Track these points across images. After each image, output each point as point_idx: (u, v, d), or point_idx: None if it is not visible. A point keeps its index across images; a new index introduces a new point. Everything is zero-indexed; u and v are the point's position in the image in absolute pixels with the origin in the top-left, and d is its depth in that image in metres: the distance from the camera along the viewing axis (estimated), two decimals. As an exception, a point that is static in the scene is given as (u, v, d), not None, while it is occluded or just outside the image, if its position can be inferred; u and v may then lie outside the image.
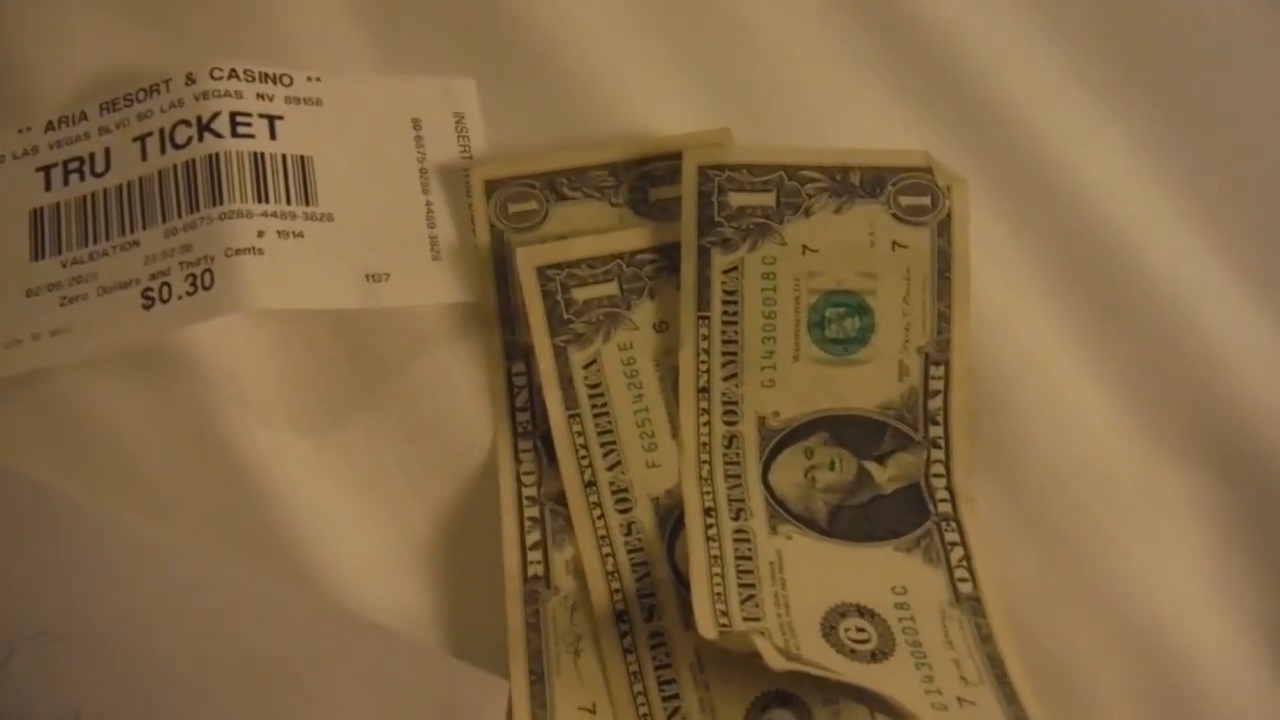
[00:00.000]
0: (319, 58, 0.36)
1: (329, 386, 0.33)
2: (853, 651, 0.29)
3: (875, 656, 0.29)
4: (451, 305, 0.34)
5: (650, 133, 0.36)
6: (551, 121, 0.36)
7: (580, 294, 0.33)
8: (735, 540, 0.31)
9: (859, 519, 0.31)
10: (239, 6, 0.37)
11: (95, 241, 0.33)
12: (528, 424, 0.33)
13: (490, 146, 0.36)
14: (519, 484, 0.32)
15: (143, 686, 0.29)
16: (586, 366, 0.33)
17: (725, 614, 0.29)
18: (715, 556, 0.30)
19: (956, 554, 0.31)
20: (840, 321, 0.33)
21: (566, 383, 0.32)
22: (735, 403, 0.32)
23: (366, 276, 0.33)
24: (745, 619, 0.29)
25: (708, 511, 0.31)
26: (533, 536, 0.31)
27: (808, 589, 0.30)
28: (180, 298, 0.32)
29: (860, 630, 0.29)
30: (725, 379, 0.33)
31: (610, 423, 0.32)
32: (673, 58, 0.37)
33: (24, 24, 0.36)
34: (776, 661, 0.27)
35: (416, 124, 0.36)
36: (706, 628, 0.28)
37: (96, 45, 0.36)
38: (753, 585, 0.30)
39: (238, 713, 0.29)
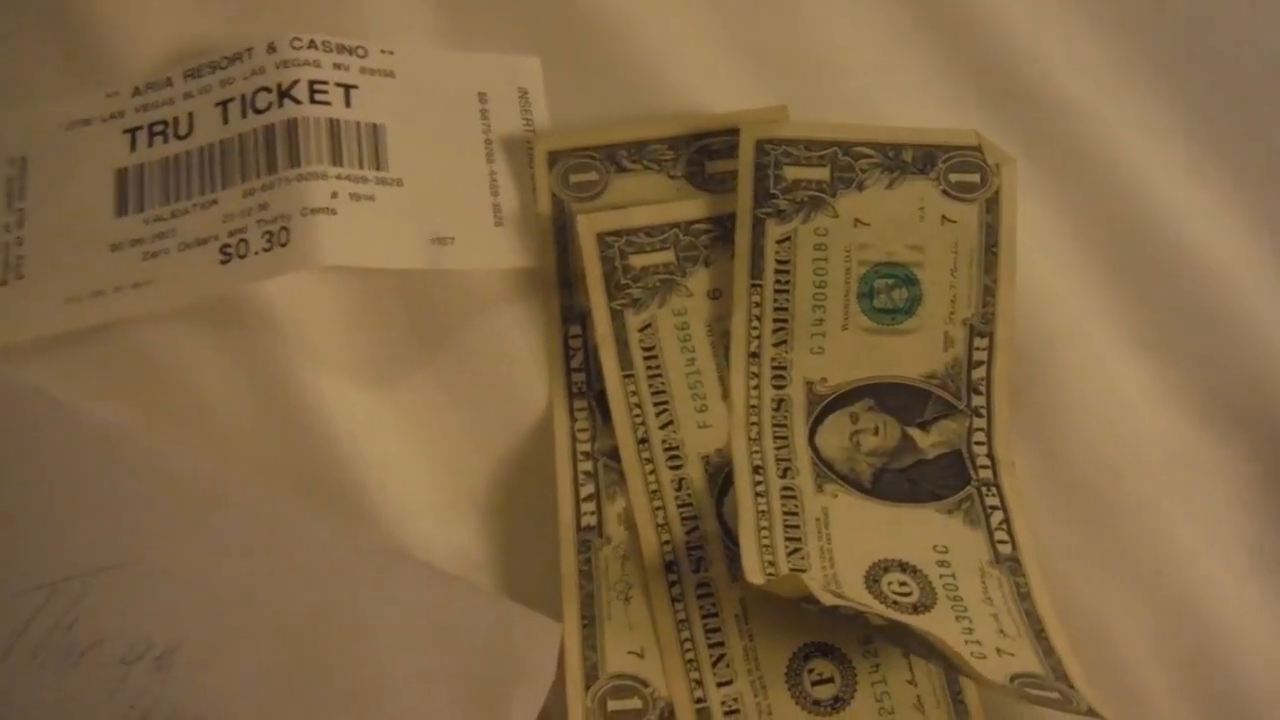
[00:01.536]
0: (390, 32, 0.38)
1: (393, 343, 0.34)
2: (895, 603, 0.30)
3: (917, 609, 0.30)
4: (512, 269, 0.35)
5: (705, 110, 0.37)
6: (611, 98, 0.38)
7: (637, 260, 0.34)
8: (782, 497, 0.32)
9: (902, 481, 0.32)
10: (313, -17, 0.39)
11: (176, 200, 0.35)
12: (582, 384, 0.34)
13: (552, 121, 0.37)
14: (574, 439, 0.33)
15: (211, 618, 0.30)
16: (642, 330, 0.34)
17: (772, 564, 0.30)
18: (763, 511, 0.31)
19: (996, 517, 0.32)
20: (889, 292, 0.34)
21: (622, 345, 0.34)
22: (784, 368, 0.34)
23: (432, 239, 0.35)
24: (791, 570, 0.30)
25: (756, 469, 0.32)
26: (586, 489, 0.32)
27: (852, 545, 0.31)
28: (256, 254, 0.33)
29: (903, 584, 0.30)
30: (775, 345, 0.34)
31: (663, 384, 0.33)
32: (727, 38, 0.39)
33: (113, -3, 0.38)
34: (825, 596, 0.28)
35: (482, 97, 0.37)
36: (754, 574, 0.29)
37: (180, 16, 0.38)
38: (799, 539, 0.31)
39: (298, 645, 0.30)
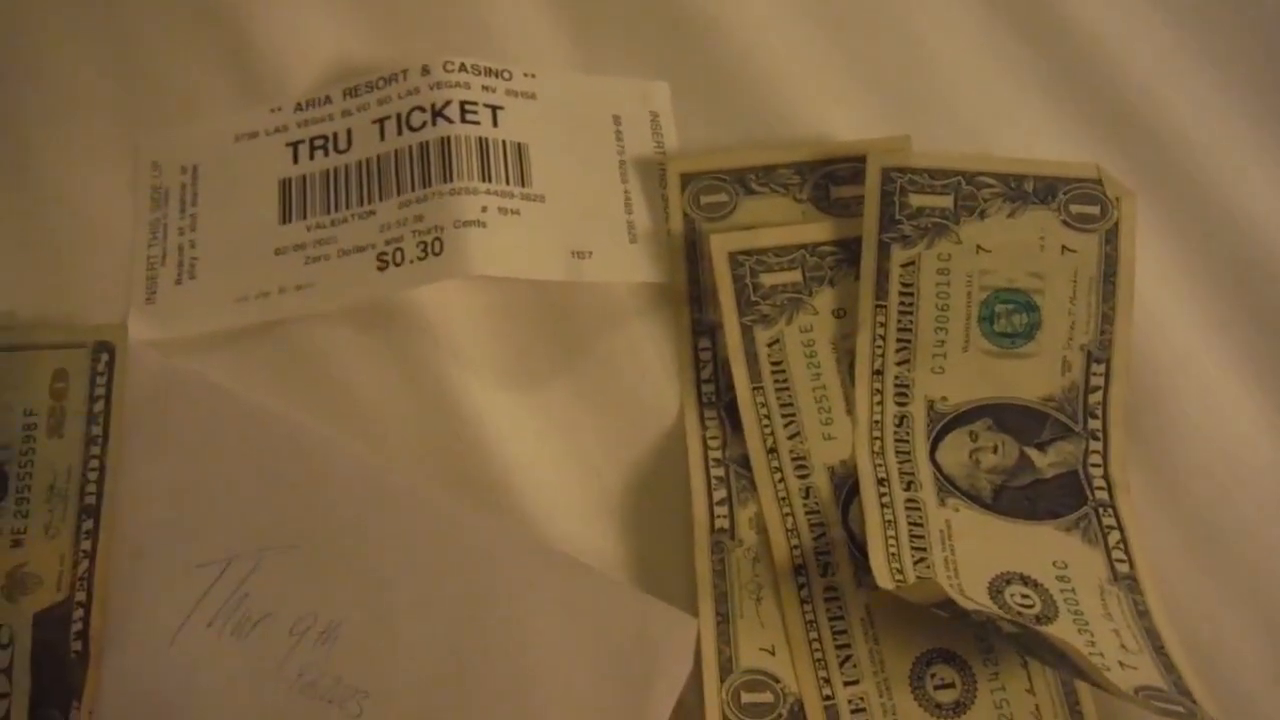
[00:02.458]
0: (530, 57, 0.40)
1: (534, 350, 0.37)
2: (1019, 614, 0.31)
3: (1040, 620, 0.31)
4: (645, 284, 0.37)
5: (829, 137, 0.39)
6: (735, 123, 0.40)
7: (767, 279, 0.36)
8: (907, 508, 0.33)
9: (1021, 498, 0.34)
10: (459, 8, 0.41)
11: (336, 209, 0.37)
12: (712, 395, 0.36)
13: (680, 143, 0.39)
14: (705, 447, 0.35)
15: (372, 598, 0.32)
16: (770, 345, 0.36)
17: (900, 572, 0.31)
18: (889, 521, 0.33)
19: (1113, 537, 0.33)
20: (1009, 317, 0.35)
21: (752, 358, 0.35)
22: (907, 386, 0.35)
23: (572, 253, 0.37)
24: (918, 578, 0.31)
25: (880, 481, 0.34)
26: (719, 494, 0.34)
27: (975, 557, 0.32)
28: (411, 262, 0.36)
29: (1025, 596, 0.32)
30: (899, 364, 0.35)
31: (790, 396, 0.35)
32: (848, 68, 0.41)
33: (276, 19, 0.40)
34: (964, 601, 0.29)
35: (617, 120, 0.40)
36: (884, 580, 0.31)
37: (339, 39, 0.40)
38: (924, 549, 0.32)
39: (453, 628, 0.32)
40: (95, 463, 0.34)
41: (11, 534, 0.33)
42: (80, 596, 0.33)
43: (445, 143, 0.37)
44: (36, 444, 0.34)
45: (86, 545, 0.33)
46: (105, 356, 0.35)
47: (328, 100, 0.39)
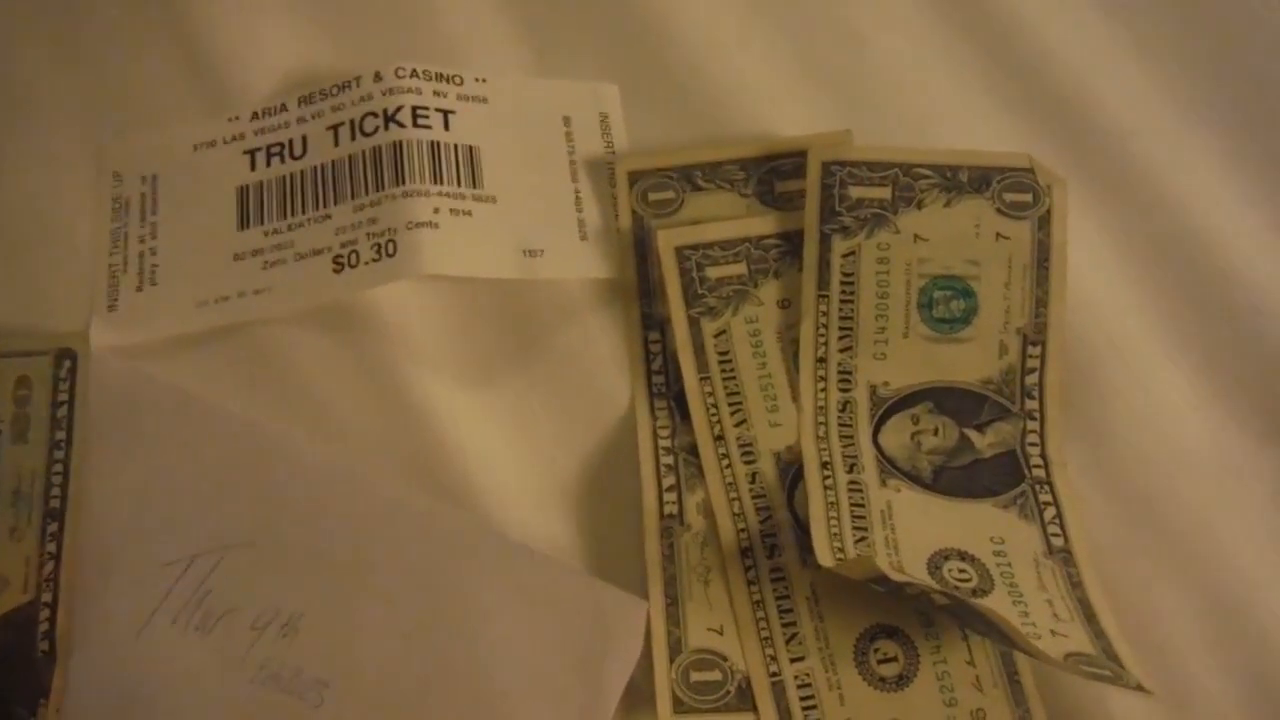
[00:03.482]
0: (480, 61, 0.41)
1: (489, 346, 0.37)
2: (956, 588, 0.32)
3: (975, 593, 0.32)
4: (597, 280, 0.38)
5: (773, 134, 0.40)
6: (684, 122, 0.41)
7: (713, 272, 0.37)
8: (849, 490, 0.34)
9: (960, 478, 0.35)
10: (412, 16, 0.42)
11: (293, 214, 0.38)
12: (662, 385, 0.37)
13: (630, 143, 0.40)
14: (655, 436, 0.36)
15: (331, 590, 0.33)
16: (717, 336, 0.37)
17: (841, 550, 0.32)
18: (831, 503, 0.34)
19: (1049, 513, 0.34)
20: (947, 303, 0.36)
21: (699, 349, 0.37)
22: (850, 372, 0.36)
23: (524, 252, 0.38)
24: (856, 555, 0.32)
25: (824, 465, 0.35)
26: (668, 481, 0.35)
27: (915, 535, 0.33)
28: (367, 264, 0.37)
29: (962, 571, 0.33)
30: (841, 351, 0.36)
31: (737, 385, 0.36)
32: (794, 66, 0.42)
33: (233, 30, 0.41)
34: (895, 575, 0.30)
35: (567, 121, 0.41)
36: (825, 558, 0.32)
37: (294, 48, 0.41)
38: (865, 529, 0.33)
39: (412, 615, 0.33)
40: (59, 467, 0.35)
41: (-22, 537, 0.34)
42: (46, 597, 0.34)
43: (397, 147, 0.38)
44: (1, 450, 0.35)
45: (52, 547, 0.34)
46: (68, 363, 0.36)
47: (283, 109, 0.40)
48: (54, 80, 0.41)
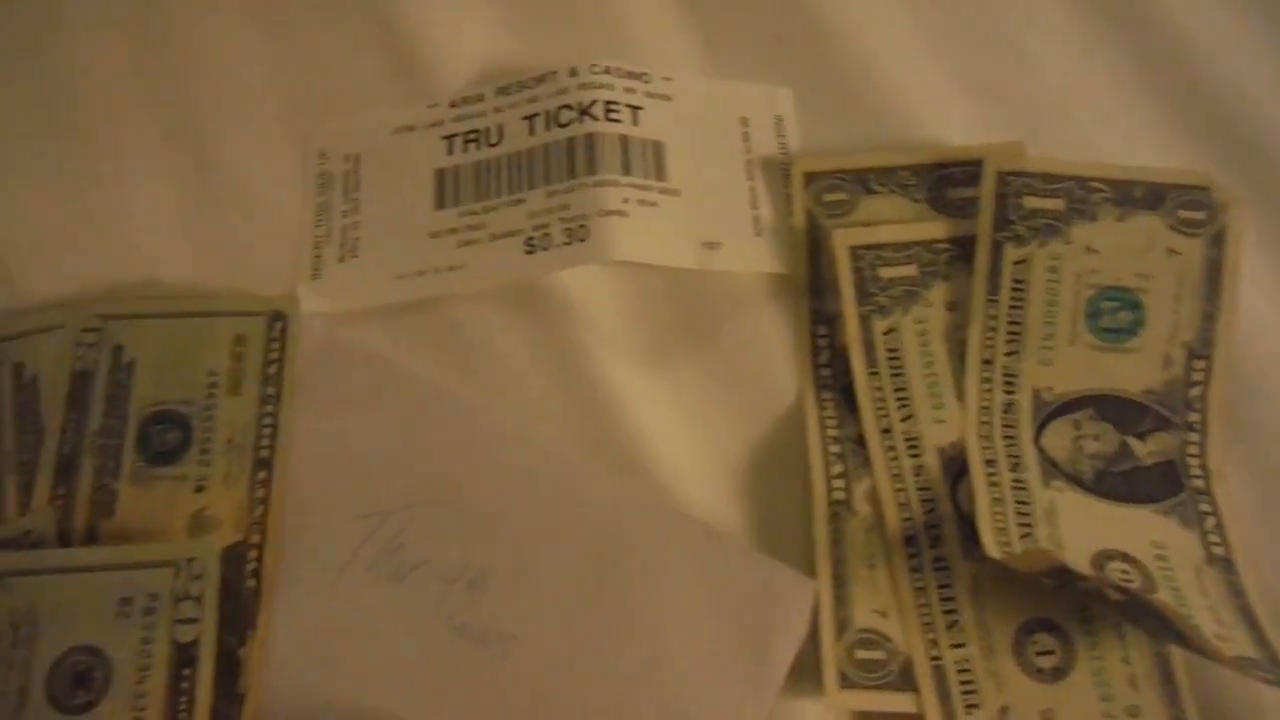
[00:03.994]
0: (659, 62, 0.43)
1: (665, 331, 0.40)
2: (1119, 588, 0.33)
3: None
4: (769, 274, 0.40)
5: (938, 142, 0.41)
6: (854, 129, 0.43)
7: (885, 272, 0.39)
8: (1014, 488, 0.35)
9: (1120, 482, 0.36)
10: (598, 16, 0.45)
11: (487, 198, 0.41)
12: (829, 378, 0.38)
13: (802, 146, 0.42)
14: (823, 425, 0.38)
15: (517, 551, 0.36)
16: (886, 333, 0.38)
17: (1007, 544, 0.34)
18: (996, 499, 0.35)
19: (1209, 522, 0.35)
20: (1114, 314, 0.37)
21: (869, 345, 0.38)
22: (1015, 375, 0.37)
23: (703, 244, 0.40)
24: (1030, 548, 0.34)
25: (989, 463, 0.36)
26: (836, 468, 0.37)
27: (1078, 535, 0.34)
28: (558, 247, 0.39)
29: (1125, 572, 0.34)
30: (1007, 354, 0.37)
31: (905, 382, 0.38)
32: (962, 76, 0.43)
33: (431, 23, 0.44)
34: (1072, 565, 0.31)
35: (744, 122, 0.42)
36: (993, 549, 0.33)
37: (492, 43, 0.44)
38: (1029, 525, 0.35)
39: (590, 578, 0.35)
40: (269, 420, 0.38)
41: (196, 480, 0.37)
42: (255, 539, 0.36)
43: (591, 138, 0.40)
44: (218, 401, 0.38)
45: (261, 493, 0.37)
46: (279, 324, 0.39)
47: (481, 98, 0.42)
48: (264, 64, 0.44)
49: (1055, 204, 0.38)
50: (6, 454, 0.37)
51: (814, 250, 0.40)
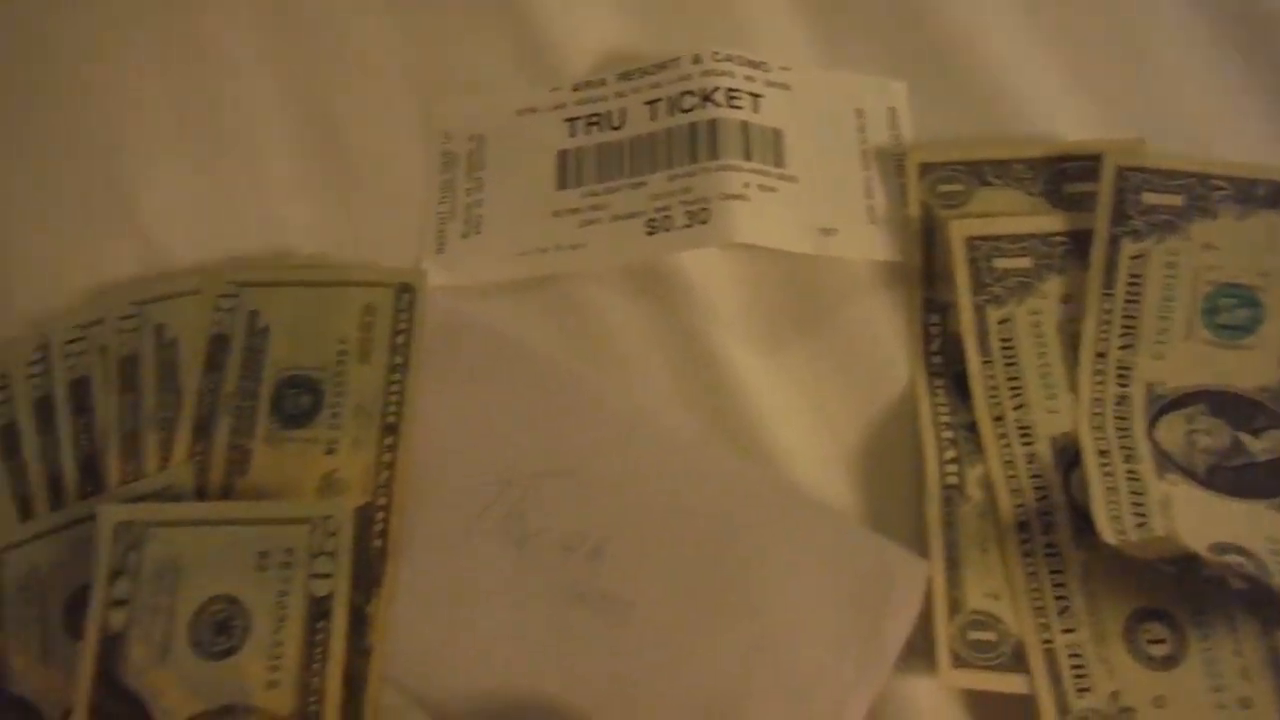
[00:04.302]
0: (774, 52, 0.44)
1: (780, 315, 0.40)
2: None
3: (1256, 586, 0.33)
4: (882, 262, 0.41)
5: (1051, 136, 0.42)
6: (966, 122, 0.43)
7: (1000, 264, 0.39)
8: (1128, 479, 0.36)
9: (1233, 477, 0.36)
10: (714, 7, 0.45)
11: (609, 179, 0.42)
12: (939, 366, 0.39)
13: (915, 137, 0.43)
14: (935, 411, 0.38)
15: (635, 522, 0.37)
16: (1001, 323, 0.39)
17: (1122, 532, 0.34)
18: (1111, 489, 0.36)
19: (1326, 520, 0.36)
20: (1231, 311, 0.38)
21: (982, 334, 0.39)
22: (1128, 369, 0.38)
23: (820, 230, 0.41)
24: (1153, 535, 0.34)
25: (1102, 454, 0.36)
26: (949, 453, 0.37)
27: (1193, 528, 0.35)
28: (679, 228, 0.40)
29: (1242, 565, 0.34)
30: (1122, 348, 0.38)
31: (1018, 371, 0.38)
32: (1075, 70, 0.44)
33: (553, 9, 0.45)
34: (1199, 550, 0.32)
35: (859, 113, 0.43)
36: (1109, 536, 0.34)
37: (614, 30, 0.45)
38: (1143, 515, 0.35)
39: (707, 552, 0.36)
40: (396, 387, 0.39)
41: (326, 443, 0.38)
42: (382, 501, 0.38)
43: (713, 124, 0.41)
44: (348, 368, 0.39)
45: (388, 458, 0.38)
46: (407, 296, 0.40)
47: (602, 83, 0.43)
48: (392, 46, 0.45)
49: (1174, 200, 0.39)
50: (148, 411, 0.39)
51: (927, 239, 0.41)
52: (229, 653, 0.34)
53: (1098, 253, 0.39)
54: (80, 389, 0.39)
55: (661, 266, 0.41)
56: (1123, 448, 0.37)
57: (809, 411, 0.39)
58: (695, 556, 0.36)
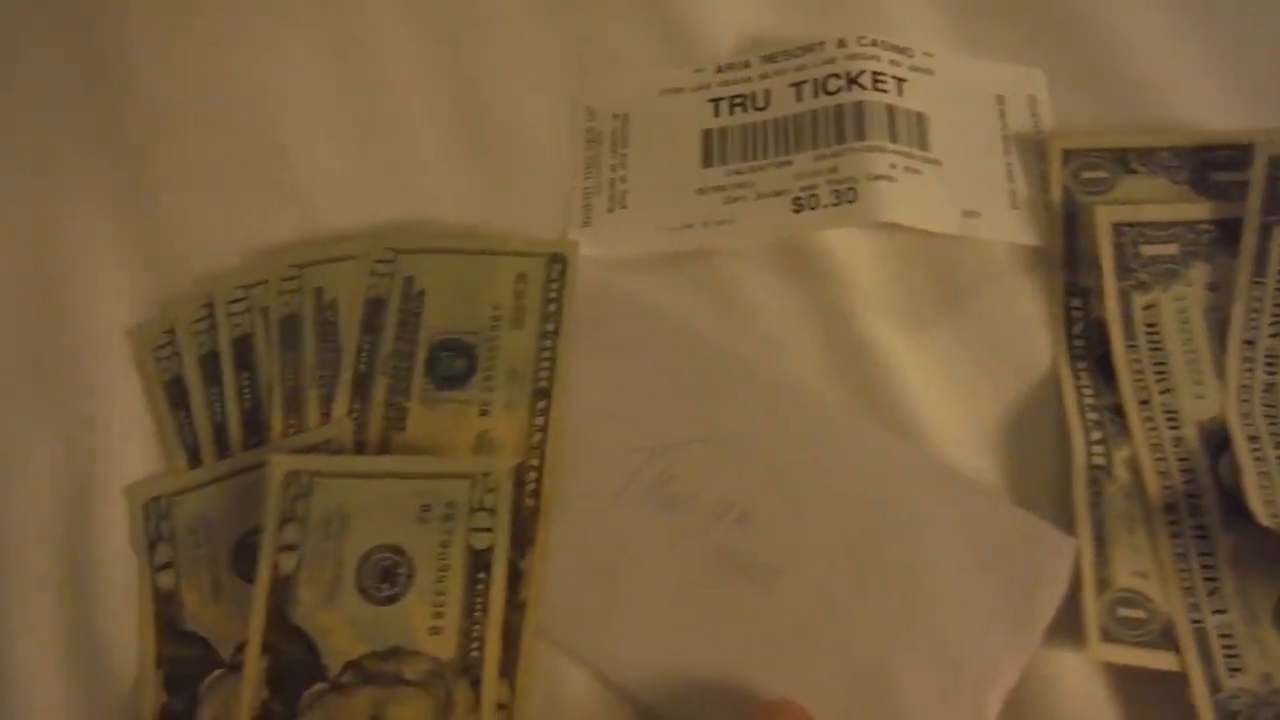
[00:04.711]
0: (916, 38, 0.45)
1: (923, 295, 0.41)
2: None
3: None
4: (1024, 246, 0.41)
5: (1190, 124, 0.42)
6: (1104, 109, 0.43)
7: (1146, 250, 0.40)
8: (1279, 463, 0.36)
9: (1386, 468, 0.36)
10: (855, -6, 0.46)
11: (754, 158, 0.43)
12: (1082, 349, 0.39)
13: (1056, 125, 0.43)
14: (1080, 393, 0.39)
15: (781, 490, 0.37)
16: (1146, 309, 0.39)
17: (1276, 516, 0.34)
18: (1263, 473, 0.36)
19: None
20: (1385, 301, 0.38)
21: (1128, 319, 0.39)
22: (1277, 357, 0.38)
23: (963, 212, 0.41)
24: (1296, 523, 0.34)
25: (1252, 439, 0.37)
26: (1095, 434, 0.38)
27: (1345, 513, 0.35)
28: (826, 207, 0.41)
29: (1397, 552, 0.34)
30: (1271, 336, 0.38)
31: (1163, 356, 0.38)
32: (1216, 63, 0.44)
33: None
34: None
35: (1000, 100, 0.44)
36: (1264, 517, 0.34)
37: (756, 13, 0.46)
38: (1296, 500, 0.35)
39: (854, 522, 0.37)
40: (548, 354, 0.40)
41: (480, 405, 0.40)
42: (534, 462, 0.39)
43: (860, 106, 0.42)
44: (500, 333, 0.41)
45: (540, 421, 0.39)
46: (558, 266, 0.41)
47: (746, 65, 0.44)
48: (539, 24, 0.46)
49: (1329, 189, 0.39)
50: (308, 369, 0.40)
51: (1069, 225, 0.41)
52: (394, 599, 0.36)
53: (1248, 241, 0.39)
54: (243, 346, 0.41)
55: (805, 245, 0.41)
56: (1272, 434, 0.37)
57: (952, 389, 0.39)
58: (843, 525, 0.37)
